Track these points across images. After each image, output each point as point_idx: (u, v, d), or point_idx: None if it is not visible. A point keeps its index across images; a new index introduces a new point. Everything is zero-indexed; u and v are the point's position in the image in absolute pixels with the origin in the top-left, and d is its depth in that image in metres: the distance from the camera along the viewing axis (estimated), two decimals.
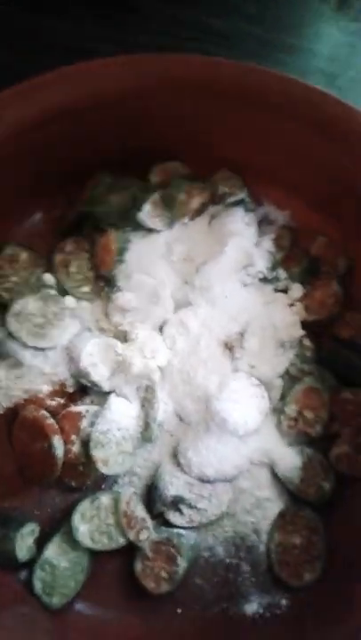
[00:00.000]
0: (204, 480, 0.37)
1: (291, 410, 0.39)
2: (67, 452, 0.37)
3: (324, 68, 0.53)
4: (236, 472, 0.37)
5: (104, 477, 0.38)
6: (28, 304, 0.39)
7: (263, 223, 0.44)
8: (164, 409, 0.38)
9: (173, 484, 0.37)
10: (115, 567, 0.37)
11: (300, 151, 0.42)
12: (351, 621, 0.34)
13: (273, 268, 0.41)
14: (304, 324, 0.41)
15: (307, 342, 0.41)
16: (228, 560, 0.37)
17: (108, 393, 0.38)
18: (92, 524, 0.36)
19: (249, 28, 0.53)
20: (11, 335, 0.38)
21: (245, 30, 0.54)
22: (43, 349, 0.38)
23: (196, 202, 0.43)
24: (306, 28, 0.54)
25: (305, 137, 0.41)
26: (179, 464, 0.37)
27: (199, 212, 0.43)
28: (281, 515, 0.38)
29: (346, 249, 0.43)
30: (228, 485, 0.38)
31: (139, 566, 0.36)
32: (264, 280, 0.42)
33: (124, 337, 0.39)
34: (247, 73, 0.41)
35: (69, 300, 0.40)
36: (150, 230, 0.42)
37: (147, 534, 0.36)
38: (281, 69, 0.41)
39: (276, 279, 0.42)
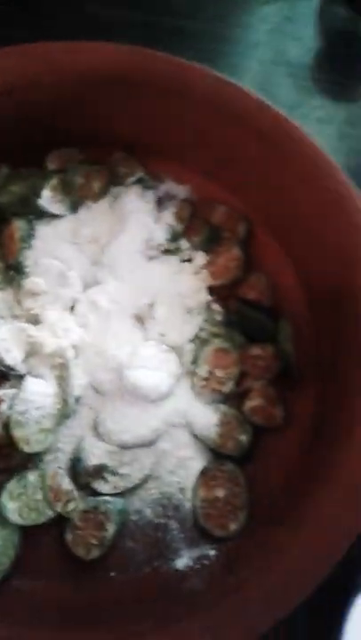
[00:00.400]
0: (124, 447, 0.39)
1: (202, 371, 0.40)
2: None
3: (220, 48, 0.56)
4: (155, 435, 0.39)
5: (29, 457, 0.39)
6: None
7: (166, 199, 0.45)
8: (79, 384, 0.39)
9: (95, 454, 0.38)
10: (47, 540, 0.38)
11: (194, 129, 0.43)
12: (276, 567, 0.35)
13: (174, 239, 0.43)
14: (211, 290, 0.43)
15: (215, 306, 0.43)
16: (156, 520, 0.39)
17: (25, 375, 0.39)
18: (20, 501, 0.38)
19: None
20: None
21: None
22: None
23: (96, 185, 0.44)
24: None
25: (198, 116, 0.42)
26: (99, 435, 0.39)
27: (101, 194, 0.44)
28: (203, 471, 0.39)
29: (245, 215, 0.45)
30: (149, 449, 0.39)
31: (69, 536, 0.38)
32: (168, 252, 0.43)
33: (35, 320, 0.41)
34: (134, 57, 0.43)
35: None
36: (55, 216, 0.44)
37: (74, 505, 0.38)
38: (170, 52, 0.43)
39: (179, 250, 0.43)
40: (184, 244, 0.44)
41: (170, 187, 0.46)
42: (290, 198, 0.41)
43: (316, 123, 0.52)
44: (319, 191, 0.39)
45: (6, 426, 0.38)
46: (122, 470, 0.38)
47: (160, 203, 0.45)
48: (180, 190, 0.46)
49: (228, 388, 0.40)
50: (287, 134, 0.39)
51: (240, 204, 0.45)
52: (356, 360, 0.35)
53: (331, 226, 0.37)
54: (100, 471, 0.38)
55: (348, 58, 0.56)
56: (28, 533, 0.38)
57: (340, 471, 0.33)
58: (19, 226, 0.42)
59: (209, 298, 0.42)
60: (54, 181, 0.43)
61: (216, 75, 0.41)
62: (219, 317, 0.43)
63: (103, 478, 0.39)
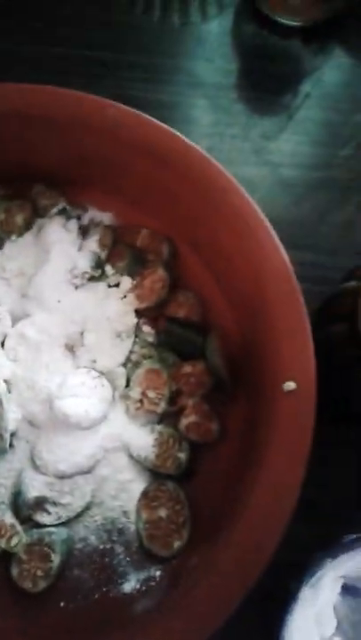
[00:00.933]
0: (62, 476, 0.39)
1: (135, 393, 0.41)
2: None
3: (137, 76, 0.57)
4: (92, 462, 0.39)
5: None
6: None
7: (91, 226, 0.46)
8: (14, 418, 0.40)
9: (35, 487, 0.39)
10: None
11: (112, 163, 0.44)
12: (217, 582, 0.35)
13: (98, 266, 0.44)
14: (140, 313, 0.44)
15: (146, 328, 0.44)
16: (101, 546, 0.39)
17: None
18: None
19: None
20: None
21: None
22: None
23: (19, 219, 0.45)
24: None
25: (113, 150, 0.43)
26: (37, 467, 0.39)
27: (26, 227, 0.45)
28: (144, 493, 0.40)
29: (168, 236, 0.46)
30: (89, 476, 0.40)
31: (15, 571, 0.38)
32: (94, 279, 0.44)
33: None
34: (41, 95, 0.43)
35: None
36: None
37: (17, 539, 0.38)
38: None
39: (105, 276, 0.44)
40: (109, 269, 0.44)
41: (94, 214, 0.47)
42: (205, 221, 0.42)
43: (231, 139, 0.53)
44: (228, 214, 0.40)
45: None
46: (63, 500, 0.39)
47: (86, 231, 0.46)
48: (104, 217, 0.47)
49: (161, 408, 0.41)
50: (197, 165, 0.40)
51: (162, 226, 0.46)
52: (269, 372, 0.36)
53: (240, 245, 0.38)
54: (40, 503, 0.39)
55: (262, 73, 0.57)
56: None
57: (260, 481, 0.34)
58: None
59: (136, 320, 0.43)
60: None
61: (129, 110, 0.41)
62: (150, 339, 0.44)
63: (45, 510, 0.39)
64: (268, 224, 0.37)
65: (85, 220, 0.47)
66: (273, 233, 0.36)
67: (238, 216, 0.37)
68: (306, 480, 0.34)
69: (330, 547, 0.37)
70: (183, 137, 0.39)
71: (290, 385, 0.35)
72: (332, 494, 0.41)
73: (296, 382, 0.35)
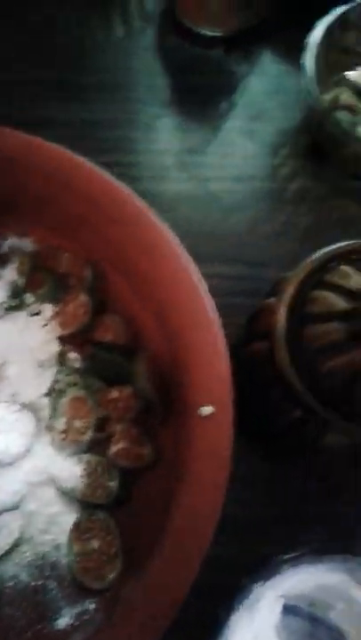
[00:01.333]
0: None
1: (60, 424, 0.40)
2: None
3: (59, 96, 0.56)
4: (17, 498, 0.38)
5: None
6: None
7: (11, 255, 0.45)
8: None
9: None
10: None
11: (24, 189, 0.43)
12: (144, 611, 0.35)
13: (15, 295, 0.43)
14: (65, 340, 0.43)
15: (72, 355, 0.43)
16: (33, 583, 0.38)
17: None
18: None
19: None
20: None
21: None
22: None
23: None
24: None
25: (21, 178, 0.42)
26: None
27: None
28: (76, 524, 0.39)
29: (91, 259, 0.45)
30: (16, 512, 0.39)
31: None
32: (13, 309, 0.43)
33: None
34: None
35: None
36: None
37: None
38: None
39: (25, 305, 0.43)
40: (29, 297, 0.43)
41: (13, 242, 0.46)
42: (118, 242, 0.42)
43: (157, 156, 0.52)
44: (139, 235, 0.40)
45: None
46: None
47: (6, 260, 0.45)
48: (25, 244, 0.46)
49: (88, 436, 0.40)
50: (99, 187, 0.40)
51: (84, 249, 0.45)
52: (188, 396, 0.36)
53: (146, 260, 0.38)
54: None
55: (187, 86, 0.57)
56: None
57: (182, 504, 0.34)
58: None
59: (59, 348, 0.42)
60: None
61: (30, 139, 0.41)
62: (76, 365, 0.43)
63: None
64: (171, 236, 0.36)
65: (5, 248, 0.46)
66: (176, 244, 0.36)
67: (144, 233, 0.37)
68: (227, 498, 0.34)
69: (260, 568, 0.37)
70: (87, 162, 0.39)
71: (207, 409, 0.35)
72: (253, 512, 0.40)
73: (213, 406, 0.35)
